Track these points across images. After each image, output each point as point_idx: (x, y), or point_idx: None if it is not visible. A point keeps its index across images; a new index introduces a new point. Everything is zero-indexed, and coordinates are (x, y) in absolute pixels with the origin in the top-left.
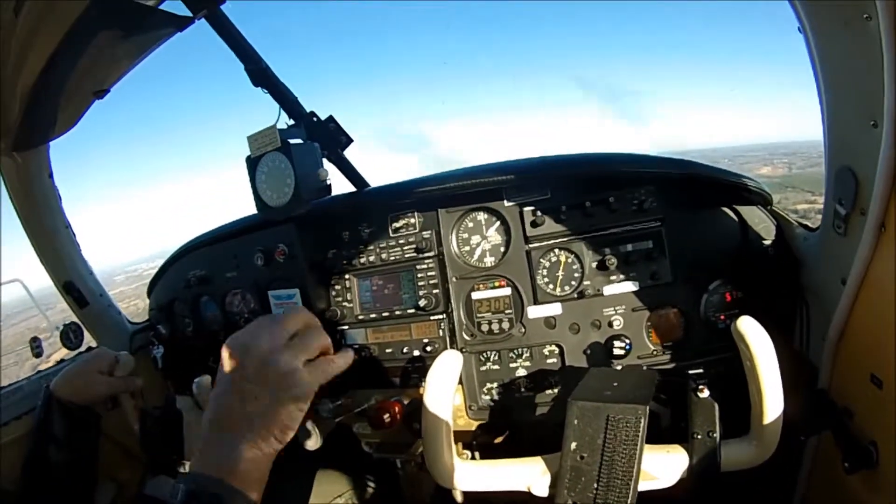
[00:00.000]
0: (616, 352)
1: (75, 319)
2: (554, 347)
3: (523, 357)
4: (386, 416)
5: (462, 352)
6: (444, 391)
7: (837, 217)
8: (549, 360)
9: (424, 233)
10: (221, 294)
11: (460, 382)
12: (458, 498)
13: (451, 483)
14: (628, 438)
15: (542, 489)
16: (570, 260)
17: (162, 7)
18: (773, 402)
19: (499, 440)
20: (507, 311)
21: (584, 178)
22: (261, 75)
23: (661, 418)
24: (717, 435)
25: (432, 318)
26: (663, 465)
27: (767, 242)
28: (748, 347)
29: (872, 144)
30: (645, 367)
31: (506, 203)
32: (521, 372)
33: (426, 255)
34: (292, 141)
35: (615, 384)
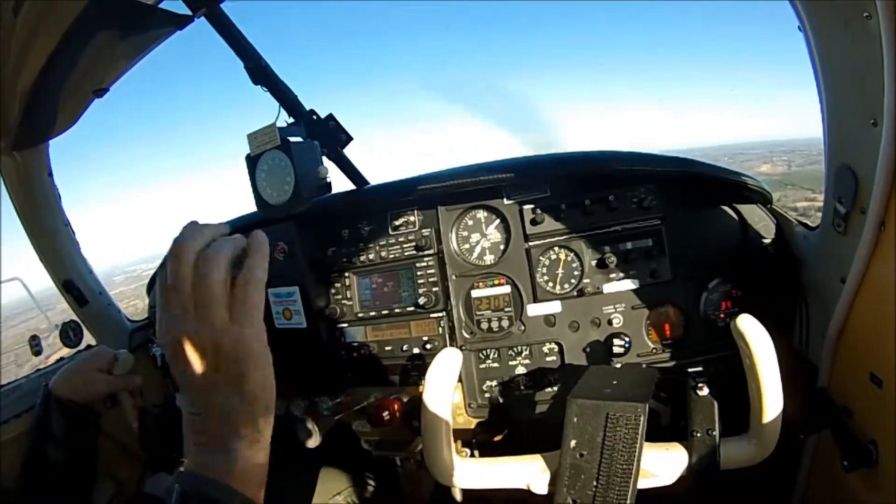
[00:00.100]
0: (615, 350)
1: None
2: (553, 345)
3: (523, 355)
4: (385, 413)
5: (462, 350)
6: (444, 389)
7: (837, 215)
8: (548, 358)
9: (424, 231)
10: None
11: (460, 380)
12: (458, 496)
13: (450, 481)
14: (628, 436)
15: (541, 487)
16: (569, 258)
17: (161, 6)
18: (772, 401)
19: (498, 438)
20: (506, 309)
21: (583, 176)
22: (260, 73)
23: (661, 416)
24: (716, 433)
25: (432, 315)
26: (663, 463)
27: (767, 241)
28: (748, 345)
29: (872, 143)
30: (644, 365)
31: (505, 201)
32: (521, 370)
33: (426, 252)
34: (292, 139)
35: (614, 382)
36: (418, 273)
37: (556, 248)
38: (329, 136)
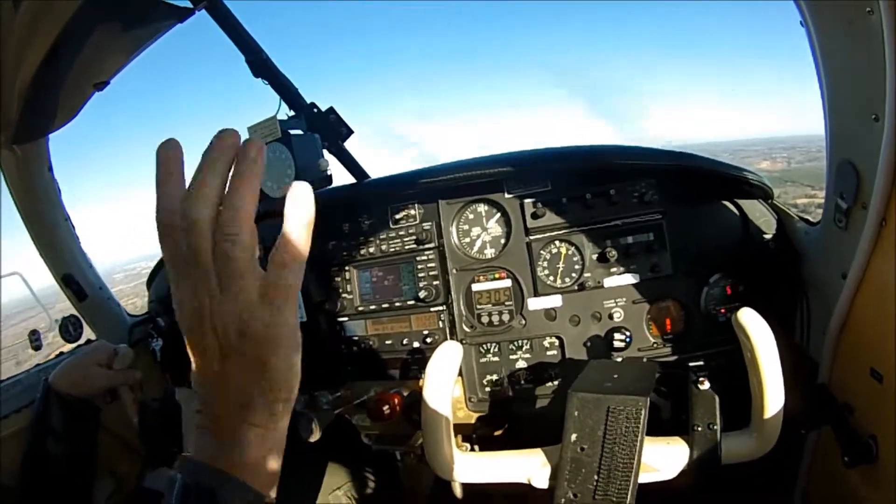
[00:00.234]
0: (616, 344)
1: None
2: (554, 339)
3: (523, 349)
4: (385, 407)
5: (462, 343)
6: (444, 383)
7: (838, 211)
8: (549, 352)
9: (425, 224)
10: None
11: (460, 374)
12: (458, 490)
13: (450, 475)
14: (629, 430)
15: (542, 481)
16: (570, 252)
17: None
18: (773, 394)
19: (498, 432)
20: (507, 303)
21: (584, 171)
22: (261, 66)
23: (662, 410)
24: (717, 427)
25: (432, 309)
26: (664, 457)
27: (768, 236)
28: (749, 339)
29: (874, 138)
30: (645, 360)
31: (506, 195)
32: (522, 364)
33: (426, 246)
34: (293, 132)
35: (615, 376)
36: (419, 267)
37: (557, 242)
38: (330, 129)
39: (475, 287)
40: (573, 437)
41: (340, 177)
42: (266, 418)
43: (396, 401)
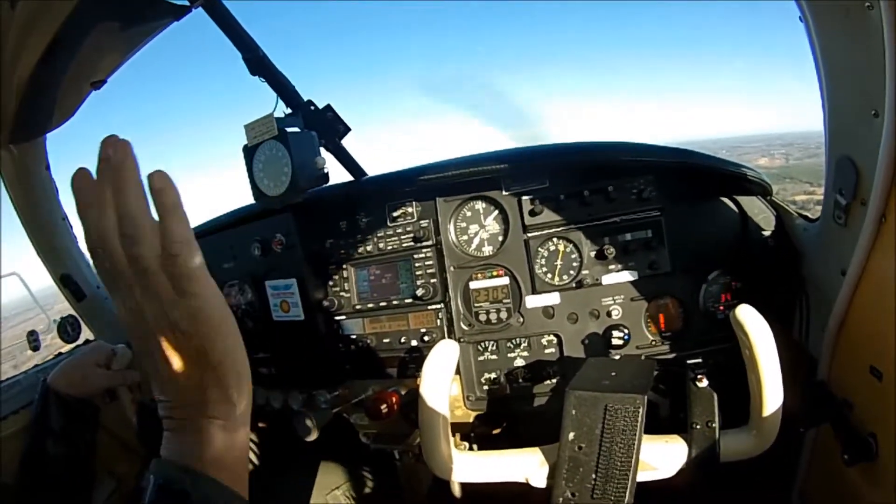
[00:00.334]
0: (614, 342)
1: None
2: (552, 337)
3: (521, 347)
4: (383, 406)
5: (460, 342)
6: (441, 381)
7: (838, 207)
8: (547, 350)
9: (422, 222)
10: (219, 285)
11: (458, 373)
12: (456, 489)
13: (448, 474)
14: (626, 428)
15: (539, 480)
16: (568, 249)
17: None
18: (772, 391)
19: (497, 431)
20: (505, 301)
21: (582, 167)
22: (258, 64)
23: (660, 408)
24: (716, 425)
25: (430, 307)
26: (662, 456)
27: (767, 233)
28: (747, 335)
29: (873, 134)
30: (643, 357)
31: (504, 192)
32: (520, 362)
33: (424, 244)
34: (289, 129)
35: (613, 374)
36: (416, 265)
37: (555, 240)
38: (327, 127)
39: (473, 285)
40: (571, 435)
41: (338, 174)
42: (225, 410)
43: (394, 399)
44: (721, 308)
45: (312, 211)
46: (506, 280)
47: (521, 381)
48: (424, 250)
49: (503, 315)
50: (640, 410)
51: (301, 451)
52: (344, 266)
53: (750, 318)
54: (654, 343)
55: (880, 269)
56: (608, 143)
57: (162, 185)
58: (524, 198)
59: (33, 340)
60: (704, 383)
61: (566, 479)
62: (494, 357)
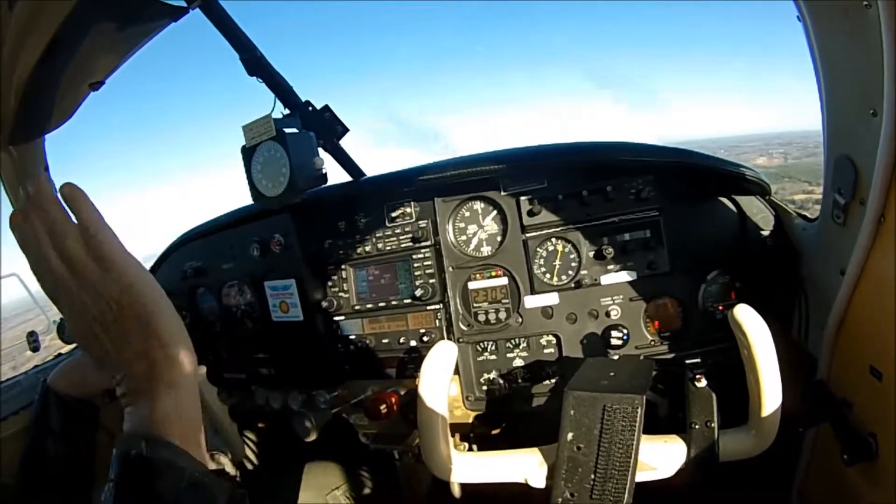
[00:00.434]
0: (613, 342)
1: None
2: (551, 337)
3: (520, 347)
4: (382, 406)
5: (459, 342)
6: (439, 382)
7: (836, 207)
8: (546, 350)
9: (421, 222)
10: (218, 286)
11: (457, 373)
12: (456, 490)
13: (447, 475)
14: (625, 428)
15: (538, 480)
16: (566, 249)
17: None
18: (770, 391)
19: (496, 431)
20: (503, 301)
21: (580, 167)
22: (256, 65)
23: (659, 408)
24: (714, 425)
25: (429, 308)
26: (661, 456)
27: (766, 233)
28: (745, 335)
29: (872, 133)
30: (642, 357)
31: (502, 192)
32: (519, 362)
33: (422, 244)
34: (288, 130)
35: (612, 374)
36: (415, 265)
37: (554, 240)
38: (325, 128)
39: (471, 285)
40: (569, 436)
41: (336, 175)
42: (170, 371)
43: (394, 400)
44: (720, 308)
45: (311, 211)
46: (504, 280)
47: (520, 381)
48: (423, 250)
49: (502, 315)
50: (639, 410)
51: (300, 451)
52: (343, 266)
53: (748, 318)
54: (652, 343)
55: (879, 268)
56: (606, 143)
57: (70, 191)
58: (522, 198)
59: (33, 341)
60: (703, 383)
61: (565, 480)
62: (493, 357)
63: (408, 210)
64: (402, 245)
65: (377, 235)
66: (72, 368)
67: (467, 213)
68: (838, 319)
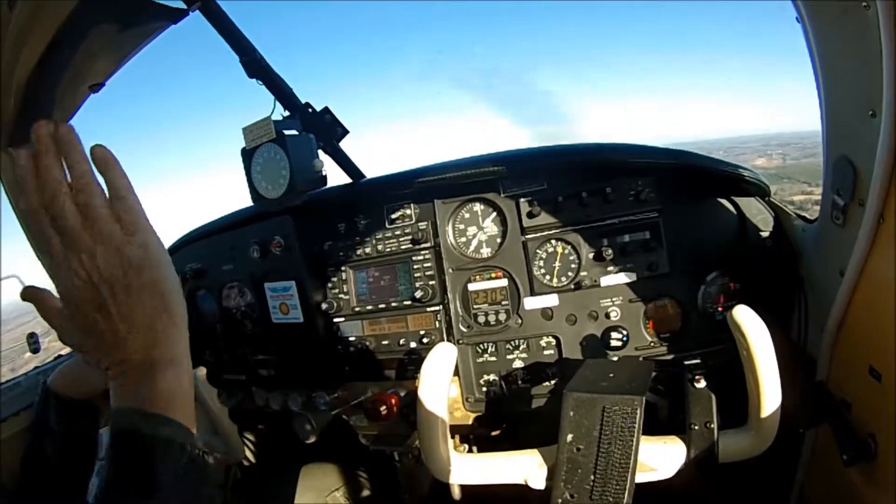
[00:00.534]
0: (613, 343)
1: None
2: (551, 339)
3: (520, 349)
4: (382, 408)
5: (459, 343)
6: (439, 383)
7: (836, 208)
8: (545, 352)
9: (420, 224)
10: (218, 287)
11: (457, 374)
12: (456, 491)
13: (447, 476)
14: (624, 430)
15: (538, 482)
16: (566, 251)
17: None
18: (770, 392)
19: (496, 432)
20: (503, 303)
21: (580, 169)
22: (256, 67)
23: (659, 409)
24: (714, 426)
25: (429, 309)
26: (661, 457)
27: (765, 234)
28: (744, 336)
29: (871, 134)
30: (642, 358)
31: (502, 194)
32: (518, 364)
33: (422, 246)
34: (287, 132)
35: (611, 375)
36: (415, 266)
37: (553, 241)
38: (325, 130)
39: (471, 287)
40: (569, 437)
41: (336, 177)
42: (176, 346)
43: (393, 401)
44: (720, 309)
45: (311, 213)
46: (504, 282)
47: (519, 382)
48: (423, 252)
49: (502, 317)
50: (638, 411)
51: (300, 452)
52: (343, 268)
53: (747, 319)
54: (652, 344)
55: (878, 269)
56: (605, 145)
57: (103, 154)
58: (522, 199)
59: (33, 343)
60: (703, 384)
61: (565, 481)
62: (493, 359)
63: (408, 212)
64: (402, 247)
65: (377, 237)
66: (72, 369)
67: (467, 215)
68: (838, 320)
